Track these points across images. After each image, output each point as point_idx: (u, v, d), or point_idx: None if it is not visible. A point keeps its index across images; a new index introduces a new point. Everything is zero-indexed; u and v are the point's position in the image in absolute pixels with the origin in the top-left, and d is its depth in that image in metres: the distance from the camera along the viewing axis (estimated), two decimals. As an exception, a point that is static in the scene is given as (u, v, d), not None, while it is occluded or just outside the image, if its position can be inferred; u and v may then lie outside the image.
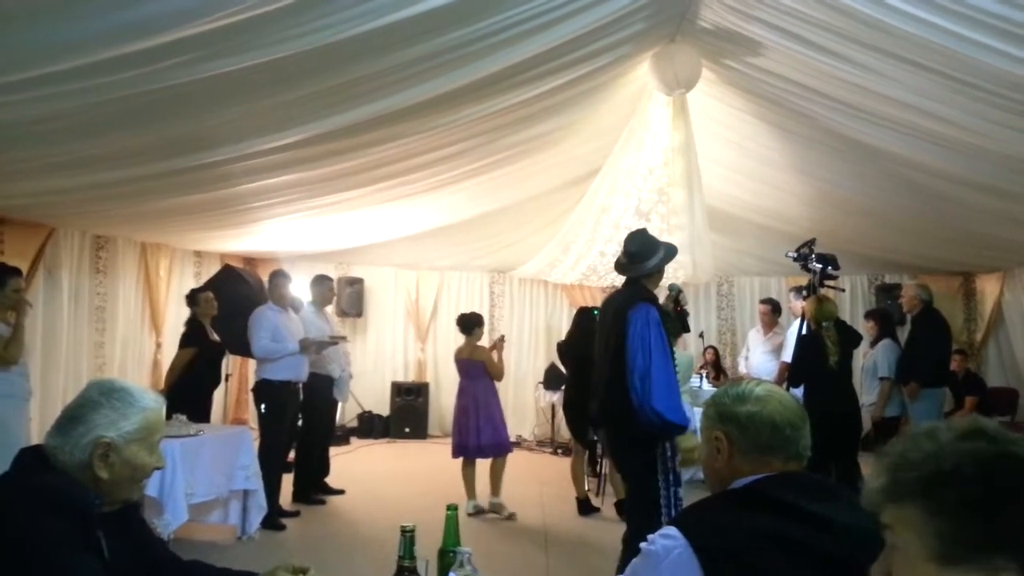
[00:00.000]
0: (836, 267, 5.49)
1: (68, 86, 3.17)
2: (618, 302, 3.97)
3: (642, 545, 1.48)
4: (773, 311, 7.66)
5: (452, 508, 1.85)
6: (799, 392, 5.39)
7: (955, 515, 0.96)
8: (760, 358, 7.49)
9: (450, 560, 1.74)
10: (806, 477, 1.54)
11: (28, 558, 1.42)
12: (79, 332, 6.67)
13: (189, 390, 5.66)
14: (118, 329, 7.18)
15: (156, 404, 1.71)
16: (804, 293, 5.85)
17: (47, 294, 6.26)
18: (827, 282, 5.53)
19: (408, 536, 1.67)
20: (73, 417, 1.62)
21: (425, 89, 4.17)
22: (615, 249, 7.89)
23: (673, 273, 8.45)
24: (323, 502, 6.28)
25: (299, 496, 6.17)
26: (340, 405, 7.81)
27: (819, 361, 5.47)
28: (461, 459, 6.04)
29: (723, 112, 5.97)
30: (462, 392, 6.15)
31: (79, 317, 6.68)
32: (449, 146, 5.56)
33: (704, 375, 7.81)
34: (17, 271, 4.77)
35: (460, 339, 6.30)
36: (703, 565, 1.37)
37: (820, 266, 5.35)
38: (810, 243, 5.49)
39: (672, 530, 1.44)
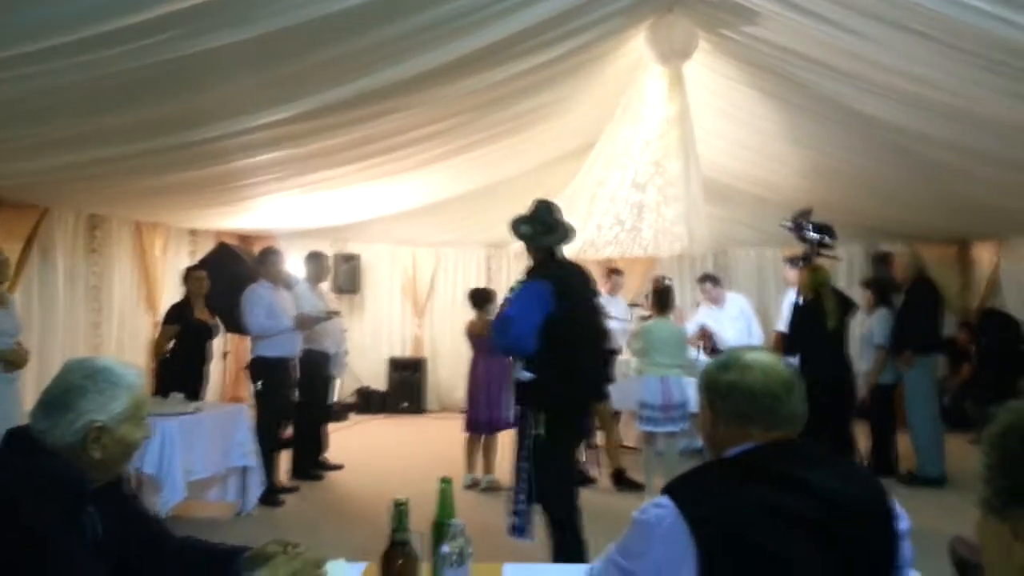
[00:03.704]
0: (833, 236, 5.49)
1: (57, 63, 3.13)
2: (584, 277, 3.87)
3: (634, 515, 1.49)
4: (715, 285, 7.69)
5: (446, 481, 1.86)
6: (794, 361, 5.40)
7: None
8: (730, 326, 7.47)
9: (444, 532, 1.75)
10: (797, 445, 1.54)
11: (22, 541, 1.43)
12: (75, 312, 6.66)
13: (177, 367, 5.66)
14: (114, 308, 7.16)
15: (139, 379, 1.72)
16: (800, 263, 5.85)
17: (41, 275, 6.23)
18: (823, 251, 5.53)
19: (401, 509, 1.68)
20: (60, 403, 1.62)
21: (417, 63, 4.13)
22: (611, 222, 7.88)
23: (669, 245, 8.45)
24: (321, 477, 6.32)
25: (297, 472, 6.21)
26: (337, 381, 7.83)
27: (818, 326, 5.47)
28: (467, 433, 6.09)
29: (719, 83, 5.92)
30: (473, 367, 6.17)
31: (75, 297, 6.66)
32: (444, 120, 5.52)
33: (702, 347, 7.80)
34: None
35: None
36: (694, 533, 1.38)
37: (816, 235, 5.34)
38: (806, 212, 5.48)
39: (663, 499, 1.45)
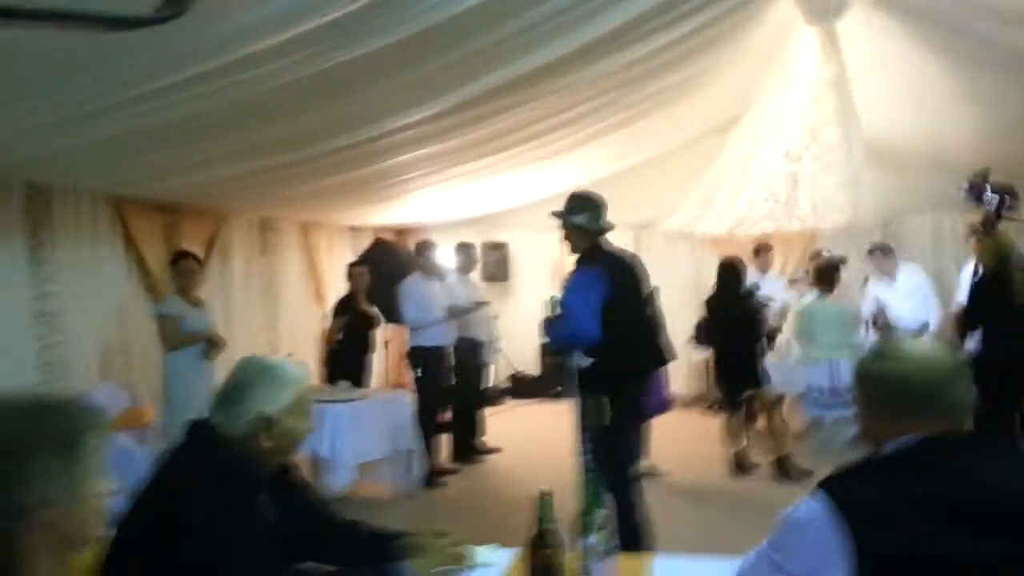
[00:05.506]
0: (1016, 198, 4.95)
1: (223, 81, 3.40)
2: (633, 261, 3.98)
3: (786, 511, 1.44)
4: (886, 255, 7.02)
5: (593, 470, 1.86)
6: (972, 343, 4.94)
7: None
8: (905, 302, 6.81)
9: (591, 523, 1.76)
10: (961, 438, 1.41)
11: (200, 528, 1.57)
12: (251, 313, 7.14)
13: (344, 357, 6.02)
14: (287, 306, 7.67)
15: (305, 376, 1.88)
16: (979, 230, 5.32)
17: (222, 278, 6.75)
18: (1005, 215, 5.00)
19: (546, 500, 1.71)
20: (233, 396, 1.78)
21: (549, 50, 4.12)
22: (764, 196, 7.53)
23: (831, 217, 7.95)
24: (481, 460, 6.53)
25: (457, 455, 6.45)
26: (491, 367, 8.04)
27: (1003, 301, 4.95)
28: None
29: (879, 39, 5.49)
30: None
31: (251, 298, 7.15)
32: (581, 104, 5.48)
33: (874, 323, 7.19)
34: (189, 254, 5.26)
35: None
36: (847, 530, 1.31)
37: (996, 198, 4.84)
38: (983, 173, 4.98)
39: (817, 495, 1.39)
